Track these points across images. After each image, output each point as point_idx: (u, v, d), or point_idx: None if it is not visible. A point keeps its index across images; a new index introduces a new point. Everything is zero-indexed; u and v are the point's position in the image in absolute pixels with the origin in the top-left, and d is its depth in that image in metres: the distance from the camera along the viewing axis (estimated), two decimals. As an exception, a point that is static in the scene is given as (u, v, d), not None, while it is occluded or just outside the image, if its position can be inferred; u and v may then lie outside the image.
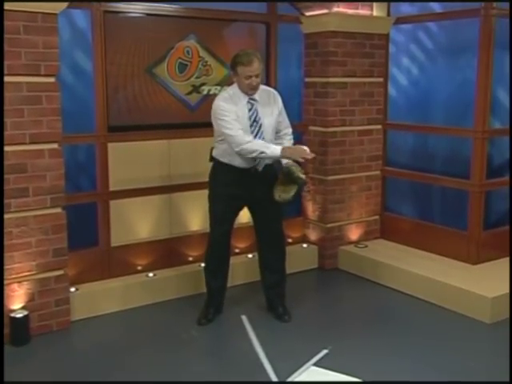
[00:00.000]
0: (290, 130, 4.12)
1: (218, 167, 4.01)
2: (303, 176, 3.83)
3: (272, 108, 3.97)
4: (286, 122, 4.09)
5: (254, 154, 3.75)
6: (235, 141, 3.76)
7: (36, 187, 3.83)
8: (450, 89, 5.11)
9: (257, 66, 3.80)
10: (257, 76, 3.82)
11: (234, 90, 3.92)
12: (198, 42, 4.67)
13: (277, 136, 4.05)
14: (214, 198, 4.03)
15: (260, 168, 3.94)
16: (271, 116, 3.96)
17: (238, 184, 3.93)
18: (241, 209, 4.13)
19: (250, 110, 3.89)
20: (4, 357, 3.51)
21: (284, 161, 3.94)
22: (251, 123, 3.88)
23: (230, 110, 3.81)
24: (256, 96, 3.91)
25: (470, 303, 4.23)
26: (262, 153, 3.73)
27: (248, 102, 3.89)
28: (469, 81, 4.82)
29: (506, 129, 4.85)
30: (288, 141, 4.06)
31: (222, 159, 3.97)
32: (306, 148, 3.79)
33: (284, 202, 3.87)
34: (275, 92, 4.08)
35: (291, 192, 3.84)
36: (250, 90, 3.86)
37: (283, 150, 3.75)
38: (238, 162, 3.91)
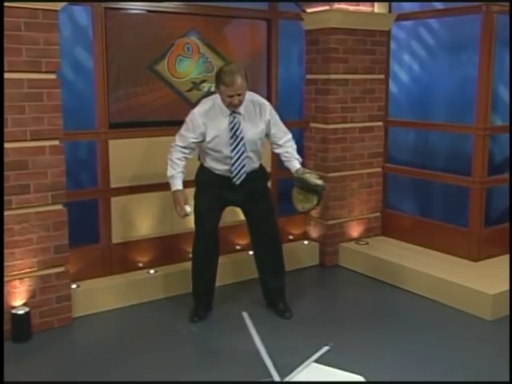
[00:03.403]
0: (289, 136, 4.03)
1: (203, 168, 4.01)
2: (320, 181, 3.72)
3: (258, 121, 3.90)
4: (281, 130, 4.00)
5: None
6: (171, 148, 3.91)
7: (37, 184, 3.83)
8: (451, 86, 5.11)
9: (239, 86, 3.70)
10: (239, 95, 3.74)
11: (218, 101, 3.84)
12: (199, 38, 4.66)
13: (277, 146, 3.99)
14: (198, 196, 4.00)
15: (238, 182, 3.87)
16: (255, 129, 3.88)
17: (222, 187, 3.91)
18: (226, 207, 4.08)
19: (231, 122, 3.82)
20: (5, 353, 3.52)
21: (294, 168, 3.90)
22: (231, 136, 3.82)
23: (196, 125, 3.80)
24: (241, 109, 3.83)
25: (470, 300, 4.23)
26: (168, 176, 3.89)
27: (230, 114, 3.83)
28: (470, 77, 4.82)
29: (508, 126, 4.85)
30: (290, 147, 4.00)
31: (204, 163, 3.98)
32: (185, 210, 3.78)
33: (307, 212, 3.76)
34: (265, 103, 3.97)
35: (314, 201, 3.75)
36: (231, 108, 3.80)
37: (176, 191, 3.85)
38: (217, 171, 3.91)
